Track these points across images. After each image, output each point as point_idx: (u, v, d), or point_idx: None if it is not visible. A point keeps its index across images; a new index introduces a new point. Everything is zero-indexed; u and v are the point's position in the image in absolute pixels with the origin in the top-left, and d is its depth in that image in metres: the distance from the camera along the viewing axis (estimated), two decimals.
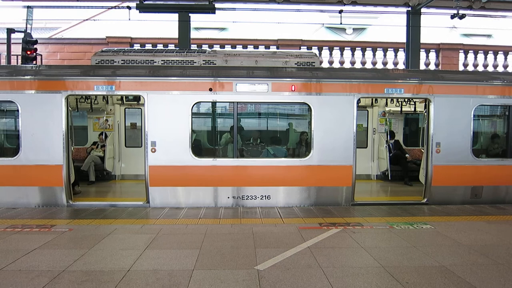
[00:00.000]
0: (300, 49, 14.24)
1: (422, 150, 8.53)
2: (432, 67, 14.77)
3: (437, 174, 7.21)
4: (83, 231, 5.29)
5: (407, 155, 10.13)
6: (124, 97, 10.17)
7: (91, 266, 4.00)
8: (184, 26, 11.72)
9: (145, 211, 6.60)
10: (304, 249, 4.54)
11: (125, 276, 3.73)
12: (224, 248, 4.58)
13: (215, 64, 7.29)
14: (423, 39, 12.64)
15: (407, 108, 10.42)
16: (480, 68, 14.68)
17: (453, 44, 15.32)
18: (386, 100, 10.36)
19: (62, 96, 6.81)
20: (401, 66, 14.16)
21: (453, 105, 7.22)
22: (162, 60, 7.24)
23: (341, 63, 14.31)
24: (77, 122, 10.10)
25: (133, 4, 11.50)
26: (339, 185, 7.12)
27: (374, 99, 10.27)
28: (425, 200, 7.35)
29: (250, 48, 14.18)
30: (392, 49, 14.44)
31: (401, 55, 14.14)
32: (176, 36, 11.98)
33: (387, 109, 10.66)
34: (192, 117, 6.97)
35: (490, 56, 14.82)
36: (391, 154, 10.02)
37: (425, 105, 7.59)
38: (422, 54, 13.43)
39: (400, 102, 10.27)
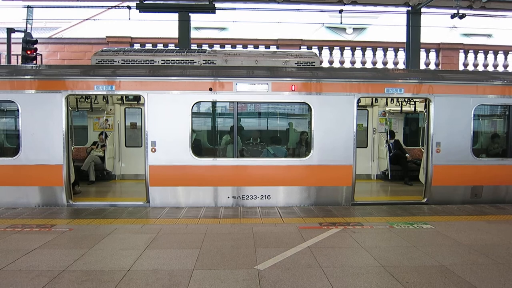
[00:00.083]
0: (300, 48, 14.24)
1: (422, 150, 8.52)
2: (432, 66, 14.77)
3: (437, 173, 7.21)
4: (83, 231, 5.29)
5: (407, 154, 10.14)
6: (124, 96, 10.17)
7: (91, 266, 4.00)
8: (184, 25, 11.72)
9: (145, 211, 6.61)
10: (304, 249, 4.54)
11: (125, 276, 3.73)
12: (224, 248, 4.58)
13: (215, 63, 7.29)
14: (423, 39, 12.64)
15: (407, 108, 10.42)
16: (480, 68, 14.68)
17: (453, 44, 15.32)
18: (386, 99, 10.36)
19: (62, 96, 6.81)
20: (401, 65, 14.16)
21: (453, 104, 7.22)
22: (162, 60, 7.23)
23: (341, 62, 14.31)
24: (77, 122, 10.09)
25: (133, 4, 11.50)
26: (339, 185, 7.12)
27: (374, 99, 10.27)
28: (425, 199, 7.35)
29: (250, 48, 14.18)
30: (392, 48, 14.44)
31: (401, 54, 14.13)
32: (176, 35, 11.98)
33: (387, 108, 10.66)
34: (192, 117, 6.97)
35: (490, 55, 14.82)
36: (391, 154, 10.02)
37: (425, 104, 7.59)
38: (422, 54, 13.43)
39: (400, 102, 10.27)
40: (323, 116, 7.05)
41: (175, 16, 11.86)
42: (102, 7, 13.78)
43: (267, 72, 7.08)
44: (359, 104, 7.56)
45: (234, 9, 12.42)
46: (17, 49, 11.64)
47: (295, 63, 7.39)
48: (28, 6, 11.80)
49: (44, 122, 6.81)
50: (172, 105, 6.92)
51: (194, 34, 13.55)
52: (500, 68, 14.69)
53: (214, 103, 7.38)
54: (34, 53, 11.19)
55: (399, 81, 7.24)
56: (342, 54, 14.38)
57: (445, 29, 17.68)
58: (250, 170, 7.09)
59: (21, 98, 6.81)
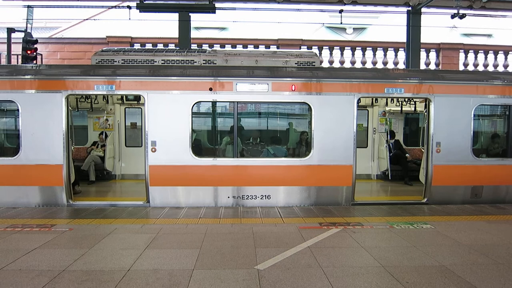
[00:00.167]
0: (300, 48, 14.23)
1: (422, 150, 8.52)
2: (432, 66, 14.77)
3: (437, 173, 7.21)
4: (83, 231, 5.29)
5: (407, 154, 10.14)
6: (124, 96, 10.17)
7: (91, 265, 4.00)
8: (184, 25, 11.72)
9: (145, 210, 6.61)
10: (304, 249, 4.54)
11: (125, 276, 3.73)
12: (224, 247, 4.58)
13: (215, 63, 7.29)
14: (423, 39, 12.64)
15: (407, 108, 10.42)
16: (481, 68, 14.68)
17: (453, 44, 15.31)
18: (386, 99, 10.35)
19: (62, 96, 6.81)
20: (401, 65, 14.16)
21: (453, 104, 7.22)
22: (162, 60, 7.23)
23: (341, 62, 14.31)
24: (77, 122, 10.09)
25: (133, 4, 11.50)
26: (339, 185, 7.12)
27: (374, 99, 10.27)
28: (425, 199, 7.35)
29: (250, 48, 14.17)
30: (392, 48, 14.44)
31: (402, 54, 14.13)
32: (176, 35, 11.98)
33: (387, 108, 10.66)
34: (192, 117, 6.97)
35: (491, 55, 14.82)
36: (391, 154, 10.02)
37: (425, 104, 7.59)
38: (423, 54, 13.42)
39: (400, 102, 10.27)
40: (323, 116, 7.05)
41: (175, 16, 11.86)
42: (102, 7, 13.80)
43: (267, 72, 7.08)
44: (359, 104, 7.56)
45: (234, 9, 12.42)
46: (17, 49, 11.63)
47: (295, 63, 7.39)
48: (28, 6, 11.80)
49: (44, 122, 6.81)
50: (172, 105, 6.92)
51: (194, 34, 13.54)
52: (500, 68, 14.69)
53: (214, 103, 7.38)
54: (34, 53, 11.20)
55: (399, 81, 7.24)
56: (342, 54, 14.38)
57: (445, 29, 17.67)
58: (250, 170, 7.09)
59: (21, 98, 6.81)
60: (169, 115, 6.92)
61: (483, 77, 7.51)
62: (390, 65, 14.32)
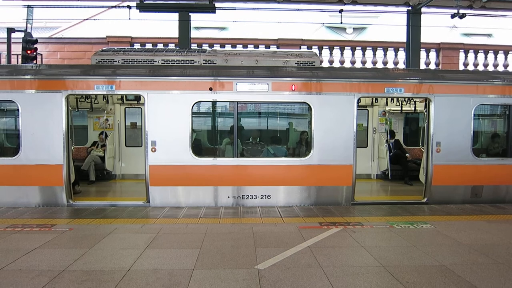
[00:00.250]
0: (300, 48, 14.23)
1: (422, 150, 8.52)
2: (432, 66, 14.76)
3: (437, 173, 7.21)
4: (83, 231, 5.29)
5: (407, 154, 10.14)
6: (124, 96, 10.17)
7: (91, 265, 4.00)
8: (184, 25, 11.71)
9: (145, 210, 6.61)
10: (304, 249, 4.54)
11: (125, 276, 3.73)
12: (224, 247, 4.58)
13: (215, 63, 7.29)
14: (423, 39, 12.63)
15: (407, 108, 10.42)
16: (481, 68, 14.68)
17: (454, 44, 15.31)
18: (386, 99, 10.35)
19: (62, 96, 6.81)
20: (401, 65, 14.15)
21: (453, 104, 7.22)
22: (162, 60, 7.23)
23: (341, 62, 14.30)
24: (77, 122, 10.09)
25: (133, 4, 11.49)
26: (339, 185, 7.12)
27: (374, 99, 10.27)
28: (425, 199, 7.35)
29: (250, 48, 14.17)
30: (392, 48, 14.43)
31: (402, 54, 14.12)
32: (176, 35, 11.97)
33: (387, 108, 10.66)
34: (192, 117, 6.97)
35: (491, 55, 14.81)
36: (391, 154, 10.02)
37: (425, 104, 7.59)
38: (423, 54, 13.42)
39: (400, 102, 10.27)
40: (323, 116, 7.05)
41: (175, 16, 11.85)
42: (102, 7, 13.80)
43: (267, 72, 7.08)
44: (359, 103, 7.56)
45: (234, 9, 12.41)
46: (17, 48, 11.63)
47: (295, 63, 7.39)
48: (28, 6, 11.80)
49: (44, 122, 6.81)
50: (172, 105, 6.92)
51: (194, 34, 13.54)
52: (500, 68, 14.69)
53: (214, 103, 7.38)
54: (34, 53, 11.19)
55: (399, 81, 7.24)
56: (342, 54, 14.37)
57: (445, 29, 17.67)
58: (250, 169, 7.09)
59: (21, 97, 6.81)
60: (169, 115, 6.92)
61: (483, 77, 7.51)
62: (390, 65, 14.31)
